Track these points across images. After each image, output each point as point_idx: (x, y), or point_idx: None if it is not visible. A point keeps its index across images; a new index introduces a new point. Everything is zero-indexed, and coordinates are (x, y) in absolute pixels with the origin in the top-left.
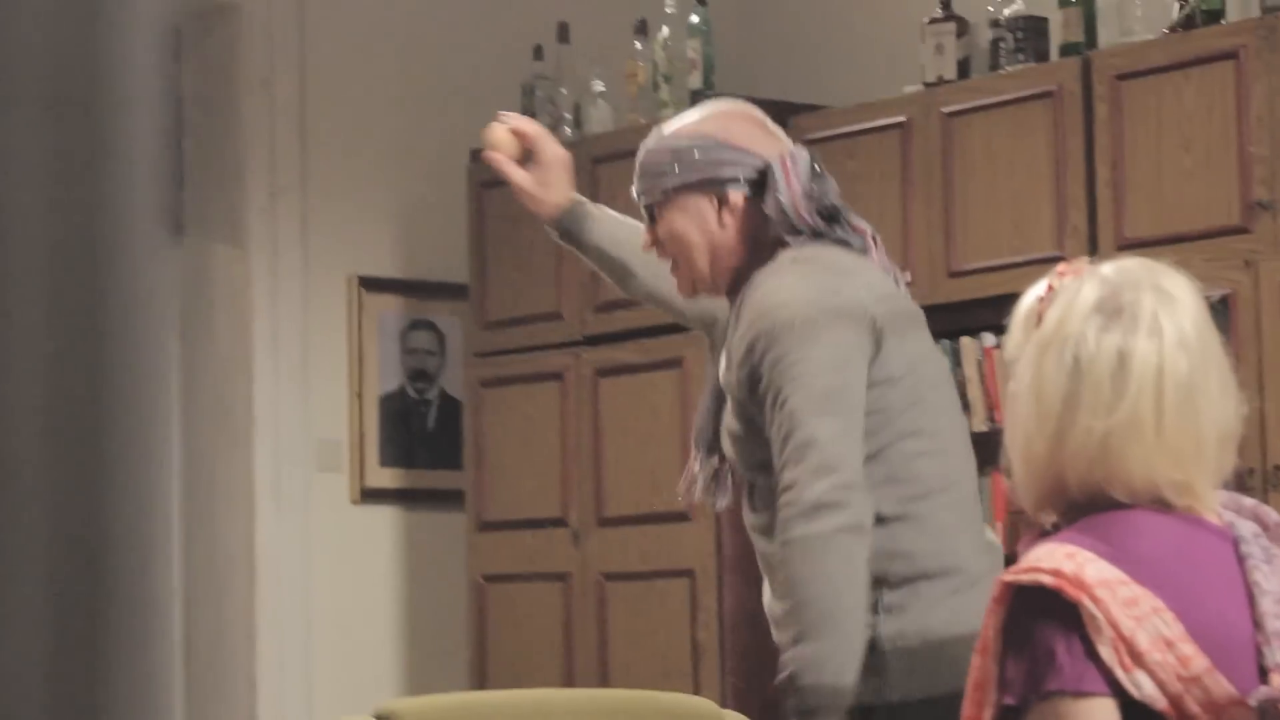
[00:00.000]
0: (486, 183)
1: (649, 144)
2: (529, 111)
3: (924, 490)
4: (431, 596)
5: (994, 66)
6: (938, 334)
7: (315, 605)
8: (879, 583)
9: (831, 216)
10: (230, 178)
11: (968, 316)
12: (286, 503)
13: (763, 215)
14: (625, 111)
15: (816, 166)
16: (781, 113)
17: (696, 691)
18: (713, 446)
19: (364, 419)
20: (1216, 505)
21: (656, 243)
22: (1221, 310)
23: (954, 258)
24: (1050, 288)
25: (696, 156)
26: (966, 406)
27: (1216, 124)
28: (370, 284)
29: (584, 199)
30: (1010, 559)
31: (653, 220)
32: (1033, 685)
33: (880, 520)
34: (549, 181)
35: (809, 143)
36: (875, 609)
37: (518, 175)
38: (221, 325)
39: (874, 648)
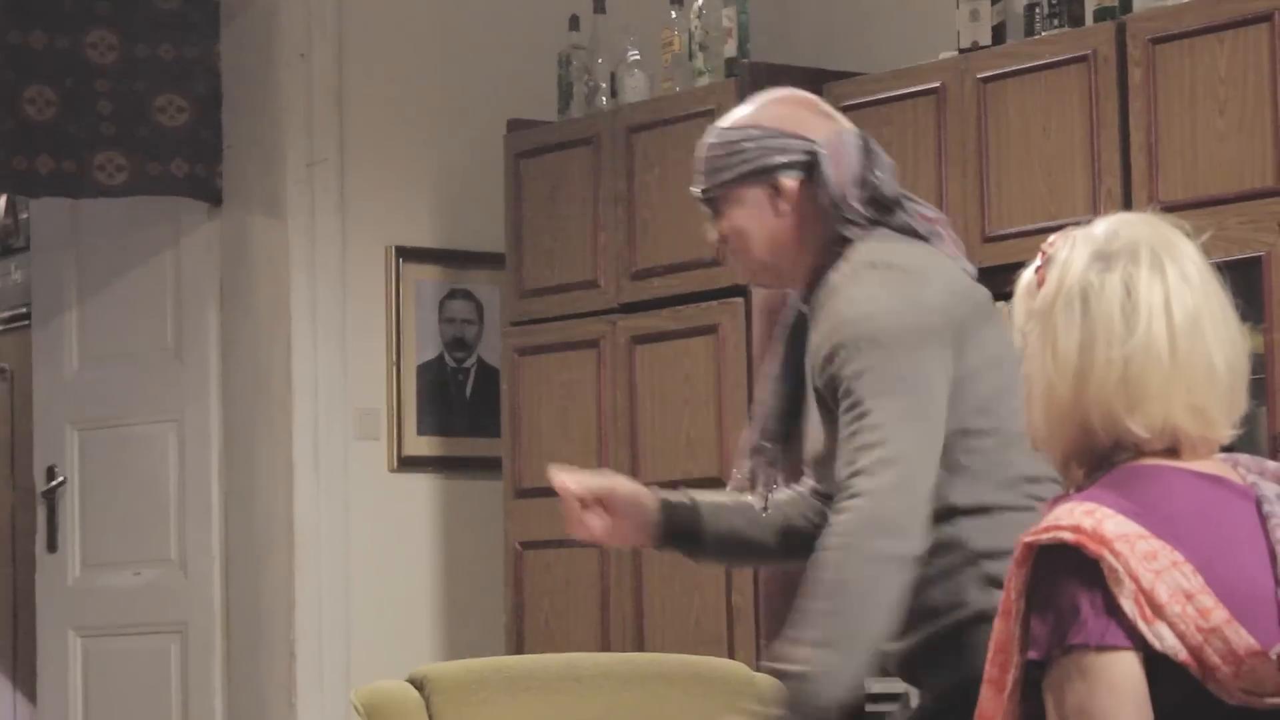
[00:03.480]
0: (523, 152)
1: (706, 139)
2: (565, 81)
3: (1014, 477)
4: (469, 563)
5: (1029, 32)
6: None
7: (353, 572)
8: (980, 565)
9: (887, 207)
10: (268, 149)
11: (1003, 281)
12: (325, 471)
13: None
14: (661, 80)
15: (871, 149)
16: (816, 79)
17: (731, 656)
18: (775, 439)
19: (402, 387)
20: (1230, 434)
21: (720, 238)
22: (1256, 272)
23: (989, 223)
24: (1044, 253)
25: (748, 147)
26: None
27: (1251, 87)
28: (408, 253)
29: (669, 500)
30: None
31: (716, 215)
32: (1057, 640)
33: (981, 510)
34: (633, 514)
35: (844, 110)
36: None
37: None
38: (260, 295)
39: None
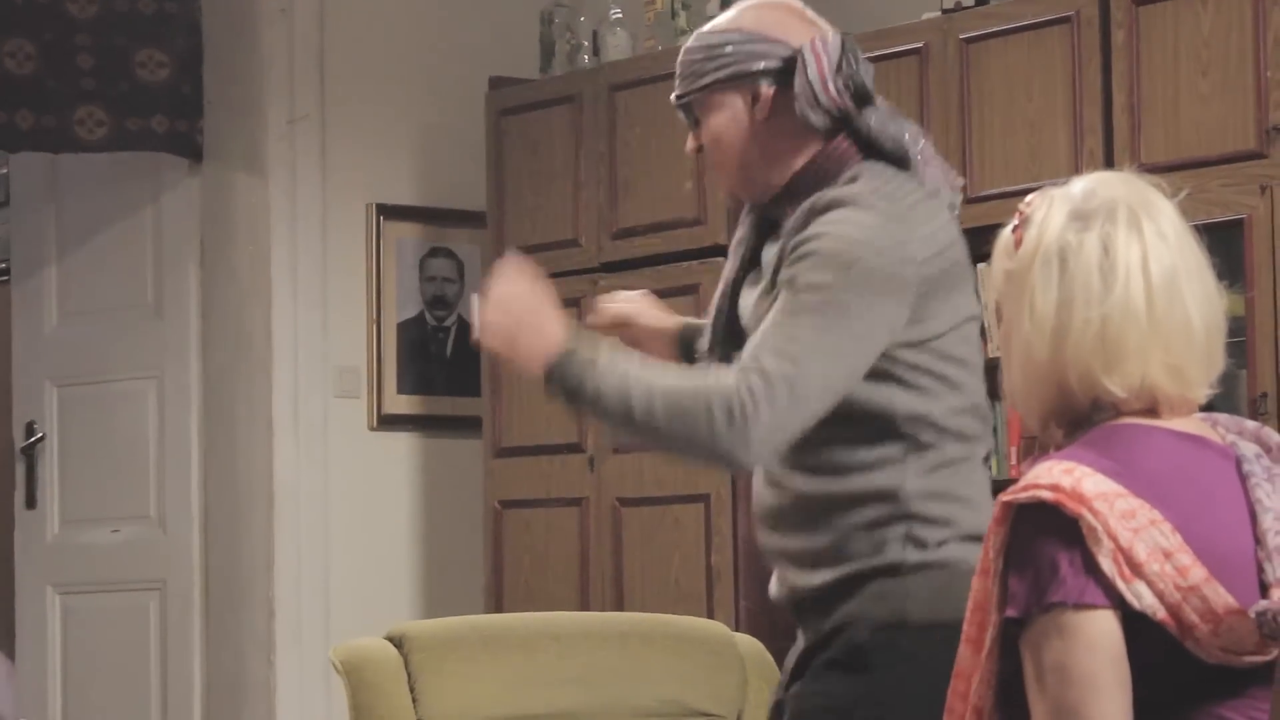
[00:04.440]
0: (505, 110)
1: (688, 44)
2: (547, 39)
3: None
4: (448, 522)
5: None
6: None
7: (333, 530)
8: (908, 524)
9: (865, 98)
10: (249, 106)
11: (984, 242)
12: (305, 429)
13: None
14: (643, 39)
15: (851, 50)
16: None
17: (710, 615)
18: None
19: (382, 346)
20: (1207, 393)
21: (697, 147)
22: (1237, 234)
23: (971, 183)
24: (1021, 214)
25: (729, 51)
26: (983, 332)
27: (1234, 49)
28: (389, 211)
29: (689, 324)
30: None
31: (696, 124)
32: (1035, 598)
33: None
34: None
35: None
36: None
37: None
38: (240, 253)
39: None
